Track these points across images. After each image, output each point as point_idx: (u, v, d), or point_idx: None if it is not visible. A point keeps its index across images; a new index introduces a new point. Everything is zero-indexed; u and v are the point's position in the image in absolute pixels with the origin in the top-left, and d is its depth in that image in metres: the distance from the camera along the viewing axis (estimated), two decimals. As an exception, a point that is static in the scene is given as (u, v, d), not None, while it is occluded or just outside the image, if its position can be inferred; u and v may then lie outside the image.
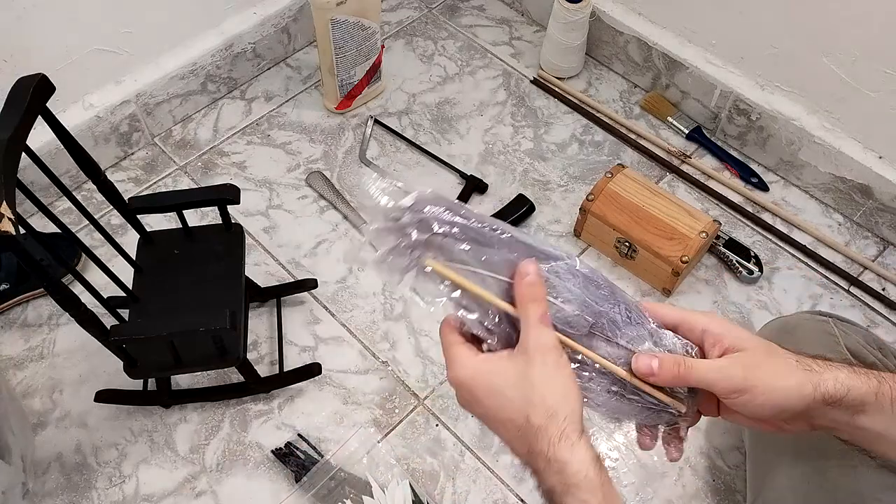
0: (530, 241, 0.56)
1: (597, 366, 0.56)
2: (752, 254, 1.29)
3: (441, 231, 0.53)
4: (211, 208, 1.30)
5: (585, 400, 0.57)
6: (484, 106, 1.53)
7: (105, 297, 0.95)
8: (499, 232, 0.55)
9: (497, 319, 0.55)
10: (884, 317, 1.26)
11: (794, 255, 1.32)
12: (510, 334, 0.55)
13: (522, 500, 1.09)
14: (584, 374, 0.56)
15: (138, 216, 1.06)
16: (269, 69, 1.57)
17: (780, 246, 1.34)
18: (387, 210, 0.53)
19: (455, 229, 0.54)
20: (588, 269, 0.57)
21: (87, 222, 0.98)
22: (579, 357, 0.56)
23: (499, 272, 0.55)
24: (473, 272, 0.54)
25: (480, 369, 0.54)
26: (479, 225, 0.54)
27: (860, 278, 1.29)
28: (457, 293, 0.54)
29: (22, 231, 0.77)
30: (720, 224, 1.28)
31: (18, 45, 1.19)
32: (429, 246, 0.54)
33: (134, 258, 1.07)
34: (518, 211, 1.35)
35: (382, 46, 1.45)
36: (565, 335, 0.55)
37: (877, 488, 0.73)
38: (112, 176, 1.37)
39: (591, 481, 0.49)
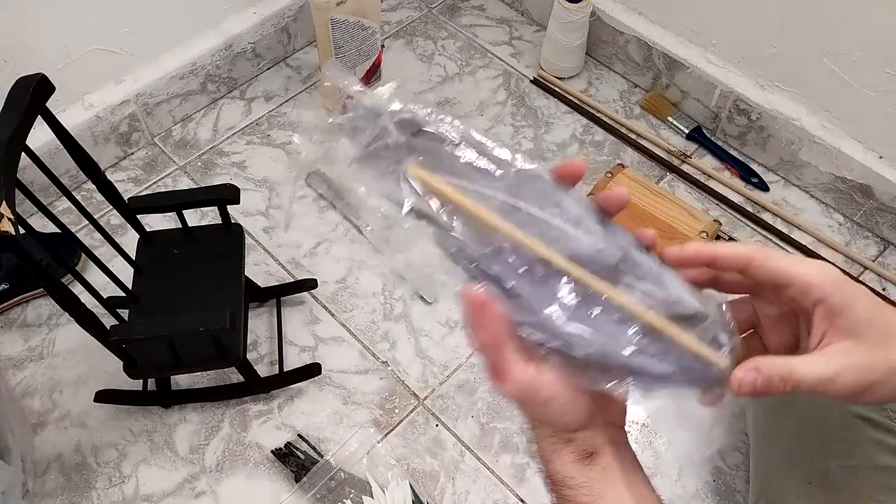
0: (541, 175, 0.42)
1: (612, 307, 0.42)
2: (753, 254, 1.29)
3: (434, 130, 0.41)
4: (211, 208, 1.30)
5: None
6: (484, 106, 1.52)
7: (105, 297, 0.95)
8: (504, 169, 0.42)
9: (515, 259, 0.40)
10: (884, 317, 1.25)
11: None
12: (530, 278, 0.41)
13: (522, 501, 1.09)
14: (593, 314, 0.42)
15: (138, 216, 1.06)
16: (268, 69, 1.57)
17: (780, 246, 1.34)
18: (358, 97, 0.41)
19: (453, 132, 0.41)
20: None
21: (87, 222, 0.98)
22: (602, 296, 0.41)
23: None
24: (476, 192, 0.40)
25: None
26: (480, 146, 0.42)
27: (860, 279, 1.29)
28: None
29: (22, 231, 0.77)
30: (720, 224, 1.28)
31: (18, 45, 1.19)
32: (412, 149, 0.41)
33: (134, 258, 1.07)
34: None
35: (382, 46, 1.45)
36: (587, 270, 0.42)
37: (876, 489, 0.73)
38: (112, 176, 1.36)
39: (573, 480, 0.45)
